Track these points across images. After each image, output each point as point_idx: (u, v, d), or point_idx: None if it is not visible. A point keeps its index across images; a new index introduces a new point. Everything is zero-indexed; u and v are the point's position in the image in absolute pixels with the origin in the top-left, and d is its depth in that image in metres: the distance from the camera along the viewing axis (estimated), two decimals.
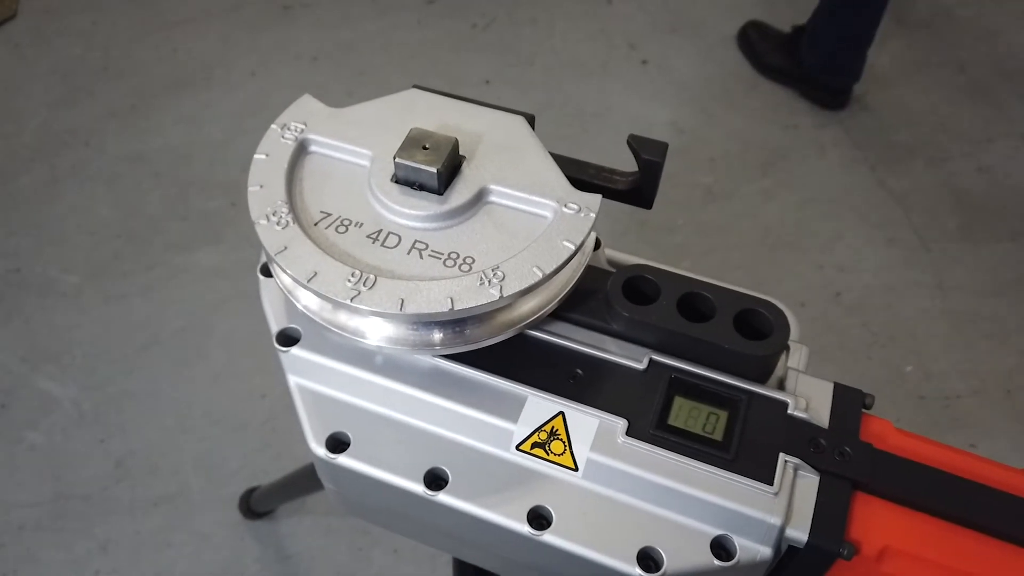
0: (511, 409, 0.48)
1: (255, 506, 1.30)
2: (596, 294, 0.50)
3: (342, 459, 0.48)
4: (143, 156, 1.82)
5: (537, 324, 0.49)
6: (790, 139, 1.88)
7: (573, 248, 0.46)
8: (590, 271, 0.51)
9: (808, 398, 0.48)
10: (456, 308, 0.43)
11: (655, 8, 2.17)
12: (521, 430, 0.47)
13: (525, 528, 0.45)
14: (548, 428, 0.47)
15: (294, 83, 1.97)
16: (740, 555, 0.44)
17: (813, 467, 0.45)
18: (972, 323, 1.58)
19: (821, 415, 0.47)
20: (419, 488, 0.46)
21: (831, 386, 0.49)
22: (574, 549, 0.44)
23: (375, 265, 0.46)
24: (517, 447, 0.47)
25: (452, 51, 2.07)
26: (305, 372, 0.51)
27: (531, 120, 0.54)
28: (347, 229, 0.48)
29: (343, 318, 0.48)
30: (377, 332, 0.48)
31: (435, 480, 0.47)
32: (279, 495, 1.27)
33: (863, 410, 0.48)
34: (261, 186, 0.49)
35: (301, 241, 0.46)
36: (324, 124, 0.52)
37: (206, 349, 1.50)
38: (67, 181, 1.77)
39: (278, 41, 2.07)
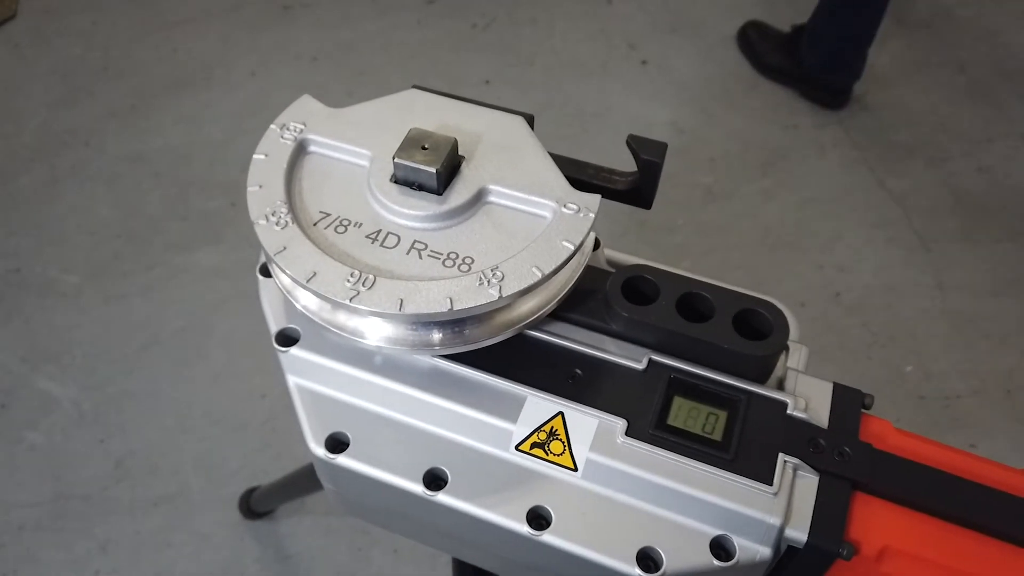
0: (510, 409, 0.48)
1: (255, 506, 1.30)
2: (595, 294, 0.50)
3: (341, 459, 0.48)
4: (143, 156, 1.82)
5: (536, 324, 0.49)
6: (790, 139, 1.88)
7: (572, 248, 0.46)
8: (589, 271, 0.51)
9: (807, 398, 0.48)
10: (455, 308, 0.43)
11: (655, 8, 2.17)
12: (520, 430, 0.47)
13: (524, 528, 0.45)
14: (547, 428, 0.47)
15: (294, 83, 1.97)
16: (739, 555, 0.44)
17: (812, 467, 0.45)
18: (972, 323, 1.58)
19: (820, 415, 0.47)
20: (418, 488, 0.46)
21: (830, 386, 0.49)
22: (573, 549, 0.44)
23: (374, 265, 0.46)
24: (516, 447, 0.47)
25: (452, 51, 2.07)
26: (304, 372, 0.51)
27: (530, 120, 0.54)
28: (346, 229, 0.48)
29: (342, 318, 0.48)
30: (376, 332, 0.48)
31: (434, 480, 0.47)
32: (279, 495, 1.27)
33: (863, 410, 0.48)
34: (260, 186, 0.49)
35: (300, 241, 0.46)
36: (323, 124, 0.52)
37: (206, 349, 1.50)
38: (67, 181, 1.77)
39: (278, 41, 2.07)
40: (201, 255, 1.64)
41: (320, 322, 0.49)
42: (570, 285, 0.50)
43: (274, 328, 0.52)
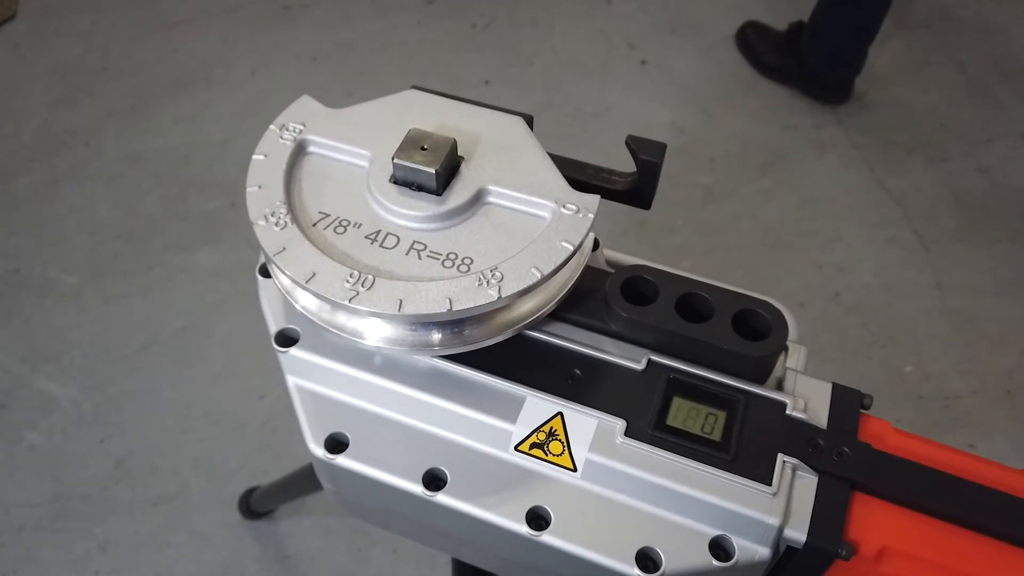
0: (510, 410, 0.48)
1: (255, 506, 1.30)
2: (595, 295, 0.51)
3: (341, 459, 0.48)
4: (142, 156, 1.82)
5: (535, 324, 0.49)
6: (790, 139, 1.88)
7: (571, 249, 0.46)
8: (589, 271, 0.51)
9: (807, 398, 0.48)
10: (454, 309, 0.43)
11: (655, 8, 2.17)
12: (520, 431, 0.47)
13: (524, 528, 0.45)
14: (547, 429, 0.47)
15: (293, 83, 1.97)
16: (739, 555, 0.44)
17: (811, 467, 0.45)
18: (972, 323, 1.58)
19: (819, 415, 0.47)
20: (418, 488, 0.46)
21: (829, 386, 0.49)
22: (573, 549, 0.44)
23: (373, 266, 0.46)
24: (516, 447, 0.47)
25: (452, 51, 2.07)
26: (304, 373, 0.51)
27: (529, 121, 0.54)
28: (345, 230, 0.48)
29: (342, 319, 0.48)
30: (376, 333, 0.48)
31: (434, 480, 0.47)
32: (278, 495, 1.27)
33: (862, 410, 0.48)
34: (260, 187, 0.49)
35: (299, 242, 0.46)
36: (323, 125, 0.52)
37: (206, 349, 1.50)
38: (67, 181, 1.77)
39: (278, 41, 2.07)
40: (201, 255, 1.64)
41: (319, 322, 0.49)
42: (569, 285, 0.50)
43: (273, 328, 0.52)
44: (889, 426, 0.48)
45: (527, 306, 0.49)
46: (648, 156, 0.52)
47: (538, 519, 0.45)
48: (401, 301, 0.44)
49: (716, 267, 1.66)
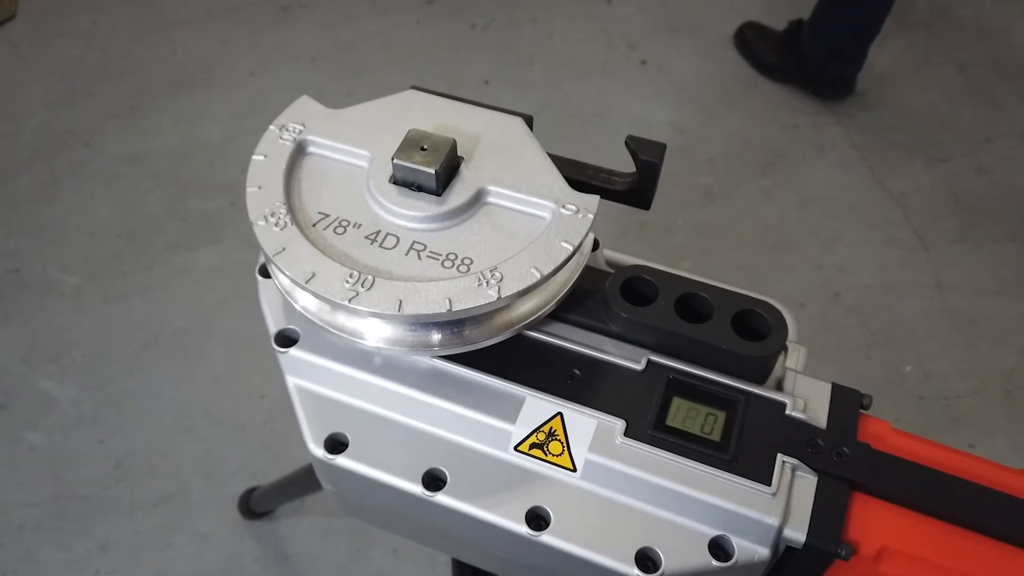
0: (509, 410, 0.48)
1: (255, 506, 1.30)
2: (594, 295, 0.51)
3: (340, 460, 0.48)
4: (142, 156, 1.82)
5: (535, 325, 0.49)
6: (790, 139, 1.88)
7: (571, 249, 0.46)
8: (588, 272, 0.51)
9: (806, 399, 0.48)
10: (454, 309, 0.43)
11: (655, 8, 2.17)
12: (519, 431, 0.47)
13: (523, 529, 0.45)
14: (546, 429, 0.47)
15: (293, 83, 1.97)
16: (738, 555, 0.44)
17: (811, 468, 0.45)
18: (971, 323, 1.58)
19: (819, 416, 0.47)
20: (417, 489, 0.46)
21: (829, 387, 0.49)
22: (572, 550, 0.44)
23: (373, 266, 0.46)
24: (515, 448, 0.47)
25: (452, 51, 2.07)
26: (303, 373, 0.51)
27: (529, 121, 0.54)
28: (345, 230, 0.48)
29: (341, 319, 0.48)
30: (375, 333, 0.48)
31: (433, 481, 0.47)
32: (278, 495, 1.27)
33: (861, 410, 0.48)
34: (259, 187, 0.49)
35: (299, 242, 0.46)
36: (322, 125, 0.52)
37: (206, 349, 1.50)
38: (67, 181, 1.77)
39: (277, 41, 2.07)
40: (200, 255, 1.64)
41: (319, 323, 0.49)
42: (569, 286, 0.50)
43: (273, 329, 0.52)
44: (888, 426, 0.48)
45: (527, 306, 0.49)
46: (648, 156, 0.52)
47: (538, 519, 0.45)
48: (401, 301, 0.44)
49: (716, 267, 1.66)
